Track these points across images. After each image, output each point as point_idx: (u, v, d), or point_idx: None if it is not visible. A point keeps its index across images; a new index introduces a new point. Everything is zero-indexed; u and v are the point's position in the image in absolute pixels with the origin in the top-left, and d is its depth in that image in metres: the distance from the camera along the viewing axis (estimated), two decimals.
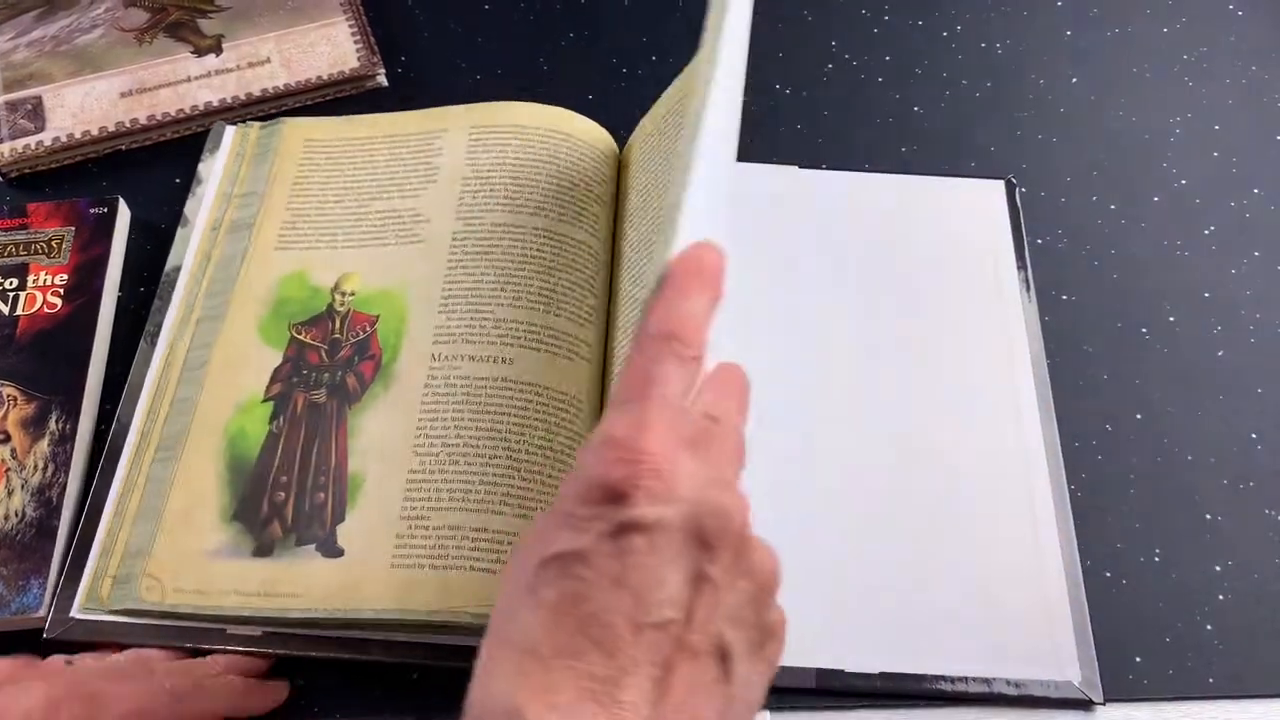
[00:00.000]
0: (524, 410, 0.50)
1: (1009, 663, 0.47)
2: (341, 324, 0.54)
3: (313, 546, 0.48)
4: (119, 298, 0.58)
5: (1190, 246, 0.60)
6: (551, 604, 0.28)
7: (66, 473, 0.51)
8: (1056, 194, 0.62)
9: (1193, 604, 0.49)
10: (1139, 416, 0.55)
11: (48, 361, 0.54)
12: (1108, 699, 0.47)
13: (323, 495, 0.49)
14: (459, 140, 0.59)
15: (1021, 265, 0.58)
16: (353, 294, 0.55)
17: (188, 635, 0.47)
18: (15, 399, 0.53)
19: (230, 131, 0.63)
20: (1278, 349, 0.57)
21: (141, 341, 0.55)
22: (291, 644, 0.47)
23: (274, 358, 0.53)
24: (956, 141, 0.64)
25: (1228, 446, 0.54)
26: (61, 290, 0.56)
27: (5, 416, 0.52)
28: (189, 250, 0.58)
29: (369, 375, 0.52)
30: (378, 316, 0.54)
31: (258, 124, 0.63)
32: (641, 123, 0.59)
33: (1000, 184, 0.61)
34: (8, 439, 0.52)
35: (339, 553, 0.48)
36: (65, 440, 0.52)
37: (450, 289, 0.54)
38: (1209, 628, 0.49)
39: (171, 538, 0.49)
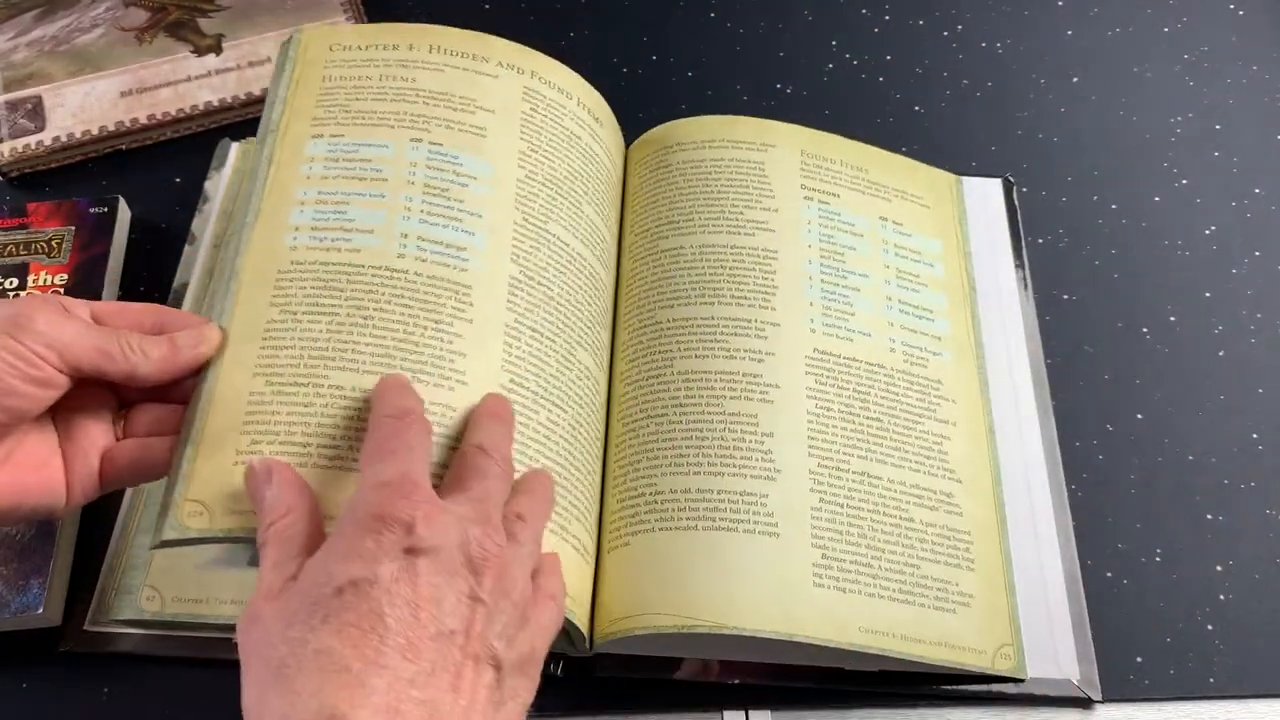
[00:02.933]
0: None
1: None
2: None
3: None
4: (119, 297, 0.58)
5: (1191, 246, 0.60)
6: (354, 623, 0.32)
7: None
8: (1057, 193, 0.62)
9: (1193, 604, 0.49)
10: (1139, 416, 0.55)
11: None
12: (1109, 699, 0.47)
13: None
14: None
15: (1020, 264, 0.58)
16: None
17: (194, 644, 0.48)
18: None
19: (235, 148, 0.63)
20: (1278, 349, 0.57)
21: None
22: None
23: None
24: (957, 140, 0.64)
25: (1228, 446, 0.54)
26: (61, 290, 0.56)
27: None
28: (196, 267, 0.58)
29: None
30: None
31: None
32: (652, 134, 0.58)
33: (998, 182, 0.61)
34: None
35: None
36: None
37: None
38: (1210, 628, 0.49)
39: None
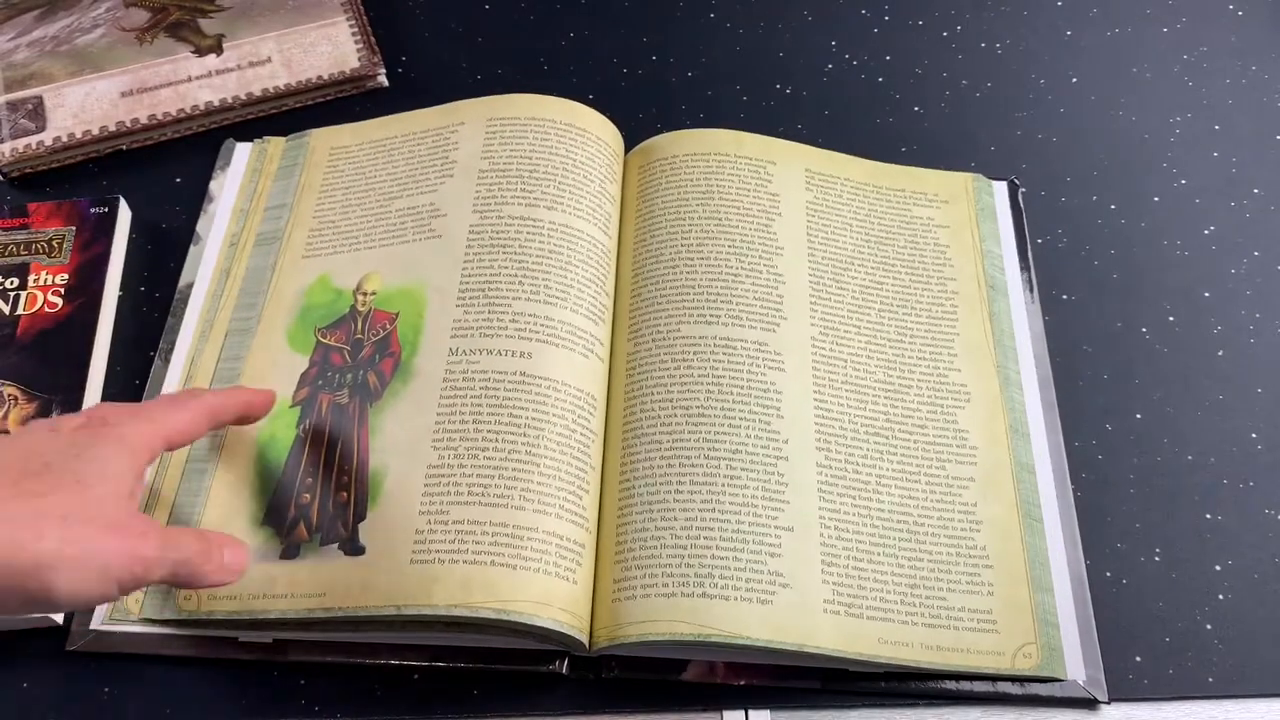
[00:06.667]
0: (542, 405, 0.50)
1: None
2: (363, 324, 0.54)
3: (336, 546, 0.48)
4: (120, 297, 0.58)
5: (1190, 246, 0.60)
6: None
7: None
8: (1057, 194, 0.62)
9: (1193, 604, 0.50)
10: (1139, 416, 0.55)
11: (48, 361, 0.54)
12: (1109, 699, 0.47)
13: (345, 494, 0.49)
14: (476, 133, 0.59)
15: (1024, 265, 0.59)
16: (374, 293, 0.55)
17: (196, 644, 0.48)
18: (16, 398, 0.53)
19: (244, 149, 0.63)
20: (1278, 349, 0.57)
21: (155, 359, 0.55)
22: (301, 650, 0.48)
23: (301, 363, 0.54)
24: (957, 141, 0.64)
25: (1228, 446, 0.54)
26: (62, 290, 0.56)
27: (6, 416, 0.52)
28: (202, 266, 0.58)
29: (389, 372, 0.52)
30: (397, 314, 0.54)
31: (281, 138, 0.63)
32: (656, 142, 0.60)
33: (1003, 185, 0.62)
34: None
35: (360, 550, 0.47)
36: None
37: (467, 283, 0.54)
38: (1209, 627, 0.49)
39: None
